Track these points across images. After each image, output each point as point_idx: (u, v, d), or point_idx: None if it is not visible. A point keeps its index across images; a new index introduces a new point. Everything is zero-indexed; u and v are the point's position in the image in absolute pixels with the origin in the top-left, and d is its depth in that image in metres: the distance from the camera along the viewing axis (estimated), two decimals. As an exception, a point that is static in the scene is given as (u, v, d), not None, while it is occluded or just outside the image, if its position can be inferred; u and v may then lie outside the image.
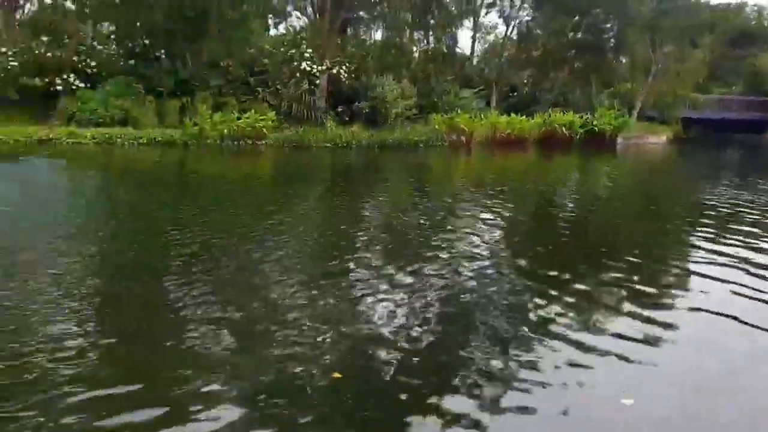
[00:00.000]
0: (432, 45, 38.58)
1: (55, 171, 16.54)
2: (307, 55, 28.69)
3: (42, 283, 6.34)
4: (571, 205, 13.91)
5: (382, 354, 4.91)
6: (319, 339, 5.15)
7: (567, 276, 7.28)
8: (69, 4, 30.28)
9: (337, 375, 4.50)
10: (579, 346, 5.16)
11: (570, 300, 6.34)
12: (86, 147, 21.34)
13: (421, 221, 10.76)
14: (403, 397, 4.34)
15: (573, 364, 4.84)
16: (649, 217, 12.55)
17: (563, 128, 31.29)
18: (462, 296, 6.41)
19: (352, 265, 7.53)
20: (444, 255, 8.06)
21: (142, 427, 3.81)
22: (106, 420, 3.84)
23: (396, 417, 4.10)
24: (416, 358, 4.89)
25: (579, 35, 37.52)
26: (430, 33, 38.20)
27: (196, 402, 4.09)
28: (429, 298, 6.22)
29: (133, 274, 7.00)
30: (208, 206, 11.76)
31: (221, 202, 12.58)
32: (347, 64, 30.99)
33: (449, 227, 10.26)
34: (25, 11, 33.02)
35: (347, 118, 29.57)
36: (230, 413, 3.99)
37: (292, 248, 8.31)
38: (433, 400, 4.26)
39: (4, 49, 23.98)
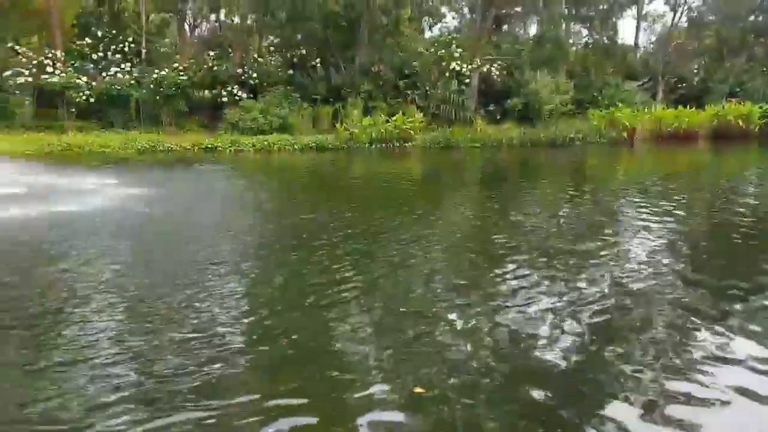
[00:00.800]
0: (592, 37, 36.97)
1: (219, 176, 17.59)
2: (456, 54, 28.57)
3: (210, 281, 6.46)
4: (750, 208, 12.17)
5: (524, 367, 4.57)
6: (461, 346, 4.90)
7: (735, 294, 6.33)
8: (237, 20, 32.60)
9: (419, 390, 4.24)
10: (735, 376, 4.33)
11: (733, 322, 5.51)
12: (247, 153, 22.68)
13: (578, 225, 10.05)
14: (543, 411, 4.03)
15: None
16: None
17: (739, 121, 28.52)
18: (621, 309, 5.82)
19: (504, 271, 7.05)
20: (603, 264, 7.26)
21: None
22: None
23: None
24: (566, 372, 4.47)
25: (759, 18, 34.07)
26: (590, 25, 36.62)
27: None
28: (585, 310, 5.66)
29: (290, 270, 7.03)
30: (361, 207, 11.82)
31: (375, 202, 12.72)
32: (500, 62, 30.47)
33: (608, 232, 9.38)
34: (203, 29, 36.04)
35: (499, 117, 29.06)
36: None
37: (445, 249, 8.08)
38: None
39: (176, 65, 26.15)
